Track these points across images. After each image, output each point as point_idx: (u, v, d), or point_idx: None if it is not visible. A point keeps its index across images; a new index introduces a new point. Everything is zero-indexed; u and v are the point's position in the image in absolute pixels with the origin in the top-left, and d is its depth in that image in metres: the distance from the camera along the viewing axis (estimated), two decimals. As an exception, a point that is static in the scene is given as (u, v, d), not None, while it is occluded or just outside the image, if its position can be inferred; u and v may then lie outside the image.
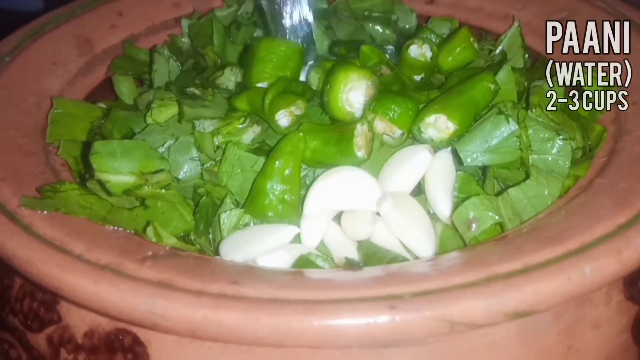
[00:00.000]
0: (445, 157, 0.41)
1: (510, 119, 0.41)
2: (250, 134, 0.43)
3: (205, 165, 0.42)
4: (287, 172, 0.40)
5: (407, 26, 0.56)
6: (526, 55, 0.51)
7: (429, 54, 0.46)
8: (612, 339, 0.38)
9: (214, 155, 0.42)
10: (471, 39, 0.49)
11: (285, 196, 0.39)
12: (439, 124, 0.41)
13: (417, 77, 0.47)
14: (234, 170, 0.41)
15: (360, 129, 0.41)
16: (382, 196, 0.39)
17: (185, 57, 0.52)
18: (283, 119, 0.42)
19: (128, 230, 0.38)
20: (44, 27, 0.52)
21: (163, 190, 0.40)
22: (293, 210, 0.40)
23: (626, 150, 0.41)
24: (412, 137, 0.42)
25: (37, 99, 0.47)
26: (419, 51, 0.47)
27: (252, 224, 0.40)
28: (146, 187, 0.39)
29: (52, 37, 0.51)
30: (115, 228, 0.38)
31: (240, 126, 0.43)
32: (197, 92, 0.44)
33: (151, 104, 0.43)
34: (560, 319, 0.36)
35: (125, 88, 0.51)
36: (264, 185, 0.39)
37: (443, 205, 0.40)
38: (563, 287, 0.33)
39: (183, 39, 0.54)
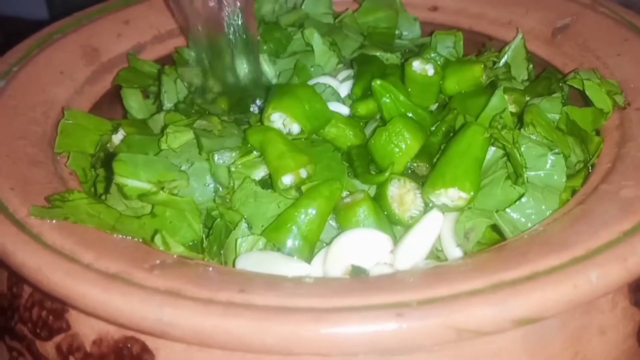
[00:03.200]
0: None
1: (516, 186, 0.41)
2: (262, 170, 0.43)
3: (219, 193, 0.42)
4: (316, 213, 0.41)
5: (410, 35, 0.56)
6: (530, 66, 0.51)
7: (431, 72, 0.46)
8: (618, 345, 0.38)
9: (228, 184, 0.42)
10: (483, 78, 0.48)
11: (308, 235, 0.40)
12: (450, 195, 0.41)
13: (432, 107, 0.48)
14: (247, 199, 0.41)
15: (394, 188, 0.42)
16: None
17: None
18: (287, 179, 0.42)
19: (136, 239, 0.38)
20: (51, 37, 0.52)
21: (178, 197, 0.40)
22: (308, 250, 0.40)
23: (630, 156, 0.41)
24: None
25: (44, 109, 0.47)
26: (421, 66, 0.46)
27: None
28: (161, 193, 0.40)
29: (59, 47, 0.52)
30: (124, 237, 0.38)
31: (255, 159, 0.43)
32: (206, 123, 0.44)
33: (165, 130, 0.44)
34: (566, 326, 0.36)
35: (134, 102, 0.52)
36: (293, 217, 0.40)
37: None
38: (569, 293, 0.33)
39: (191, 52, 0.54)
